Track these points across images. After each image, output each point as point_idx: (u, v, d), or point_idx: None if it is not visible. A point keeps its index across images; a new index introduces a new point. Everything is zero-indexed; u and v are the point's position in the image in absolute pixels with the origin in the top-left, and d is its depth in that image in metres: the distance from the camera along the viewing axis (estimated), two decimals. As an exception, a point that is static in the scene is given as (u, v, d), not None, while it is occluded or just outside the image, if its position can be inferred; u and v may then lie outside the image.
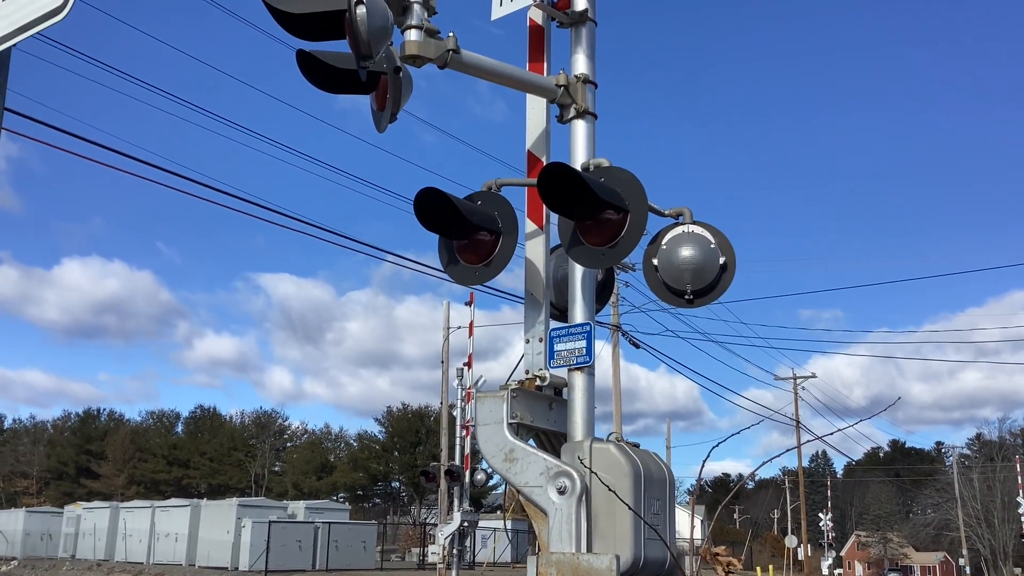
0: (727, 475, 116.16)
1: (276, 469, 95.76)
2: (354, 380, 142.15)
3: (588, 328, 5.15)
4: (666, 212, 5.41)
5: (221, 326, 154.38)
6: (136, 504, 49.30)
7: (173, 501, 47.78)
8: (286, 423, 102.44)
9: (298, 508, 44.41)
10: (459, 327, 33.73)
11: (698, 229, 5.30)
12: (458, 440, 26.11)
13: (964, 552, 76.19)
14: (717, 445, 4.50)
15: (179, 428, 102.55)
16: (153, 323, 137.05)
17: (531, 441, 5.19)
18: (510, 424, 5.00)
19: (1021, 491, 54.99)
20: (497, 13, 5.65)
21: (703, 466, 4.69)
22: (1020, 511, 52.88)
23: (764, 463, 4.84)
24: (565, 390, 5.24)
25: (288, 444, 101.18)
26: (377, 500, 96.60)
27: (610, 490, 4.52)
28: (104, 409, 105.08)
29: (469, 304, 28.15)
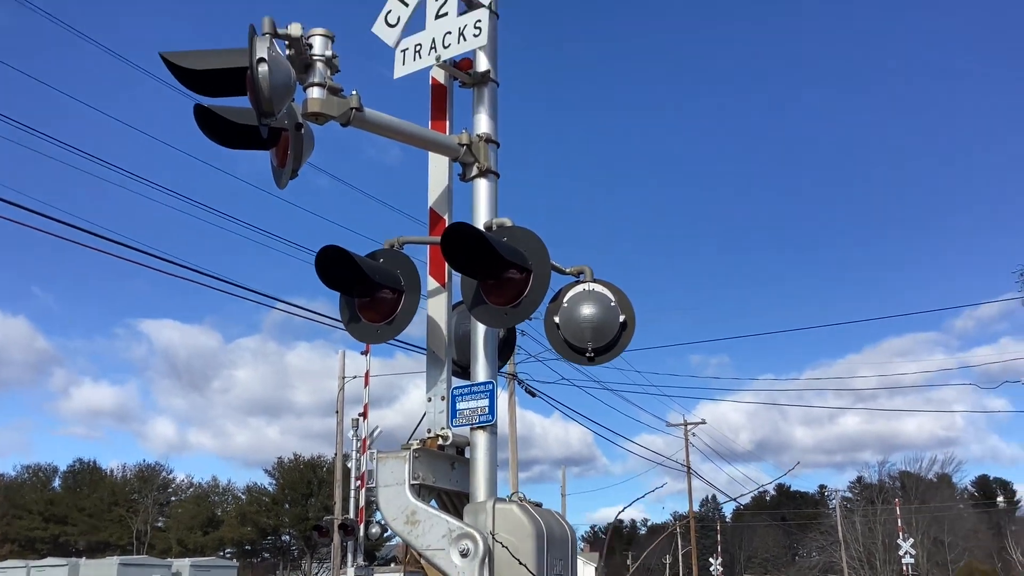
0: (621, 521, 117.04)
1: (160, 525, 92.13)
2: (242, 429, 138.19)
3: (491, 386, 5.14)
4: (567, 270, 5.48)
5: (101, 374, 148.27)
6: (10, 564, 46.61)
7: (49, 560, 45.32)
8: (170, 476, 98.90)
9: (183, 566, 42.69)
10: (354, 376, 33.32)
11: (598, 287, 5.38)
12: (352, 492, 25.64)
13: (848, 594, 78.17)
14: (623, 510, 4.53)
15: (56, 483, 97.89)
16: (28, 371, 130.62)
17: (433, 502, 5.13)
18: (412, 485, 4.93)
19: (900, 533, 56.90)
20: (400, 72, 5.67)
21: (611, 534, 4.71)
22: (900, 552, 54.61)
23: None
24: (467, 449, 5.21)
25: (172, 498, 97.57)
26: (267, 555, 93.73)
27: (513, 556, 4.49)
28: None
29: (365, 353, 27.89)
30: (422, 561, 4.95)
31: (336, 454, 37.49)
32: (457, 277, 5.25)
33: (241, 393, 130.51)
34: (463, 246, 4.74)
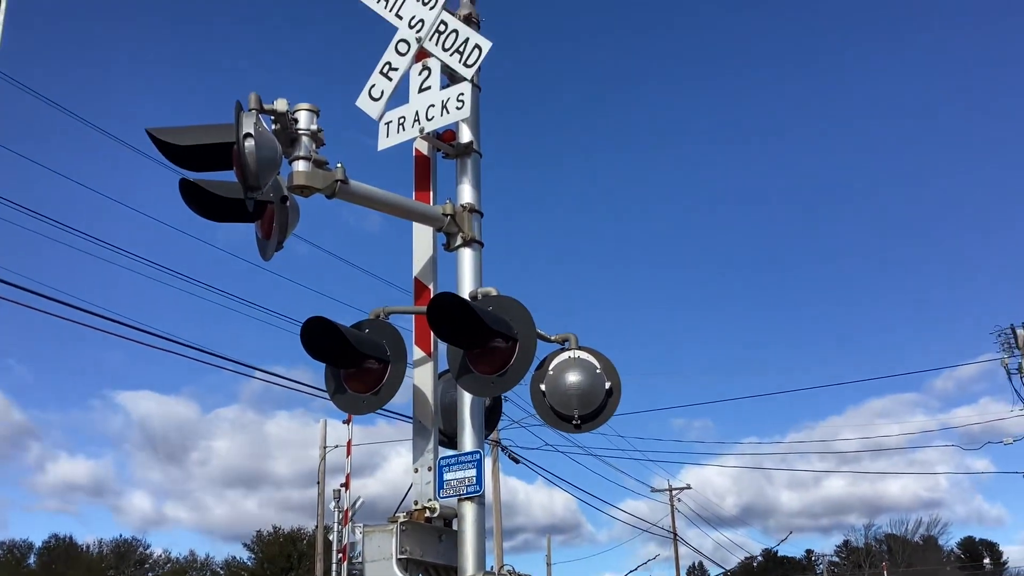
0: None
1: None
2: (220, 502, 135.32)
3: (478, 456, 5.12)
4: (552, 338, 5.49)
5: (76, 447, 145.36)
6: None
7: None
8: (147, 551, 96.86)
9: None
10: (336, 446, 32.98)
11: (584, 355, 5.39)
12: (334, 565, 25.21)
13: (839, 660, 77.10)
14: None
15: (31, 559, 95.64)
16: (2, 445, 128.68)
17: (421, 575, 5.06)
18: (399, 560, 4.87)
19: (889, 597, 56.43)
20: (384, 144, 5.75)
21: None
22: (889, 617, 54.14)
23: (632, 571, 4.85)
24: (455, 520, 5.16)
25: (150, 574, 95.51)
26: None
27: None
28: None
29: (347, 422, 27.64)
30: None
31: (317, 526, 36.89)
32: (443, 346, 5.25)
33: (219, 464, 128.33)
34: (448, 316, 4.76)
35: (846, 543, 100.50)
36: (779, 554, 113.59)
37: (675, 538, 62.82)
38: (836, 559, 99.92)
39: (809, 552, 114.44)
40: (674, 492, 65.61)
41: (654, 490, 66.16)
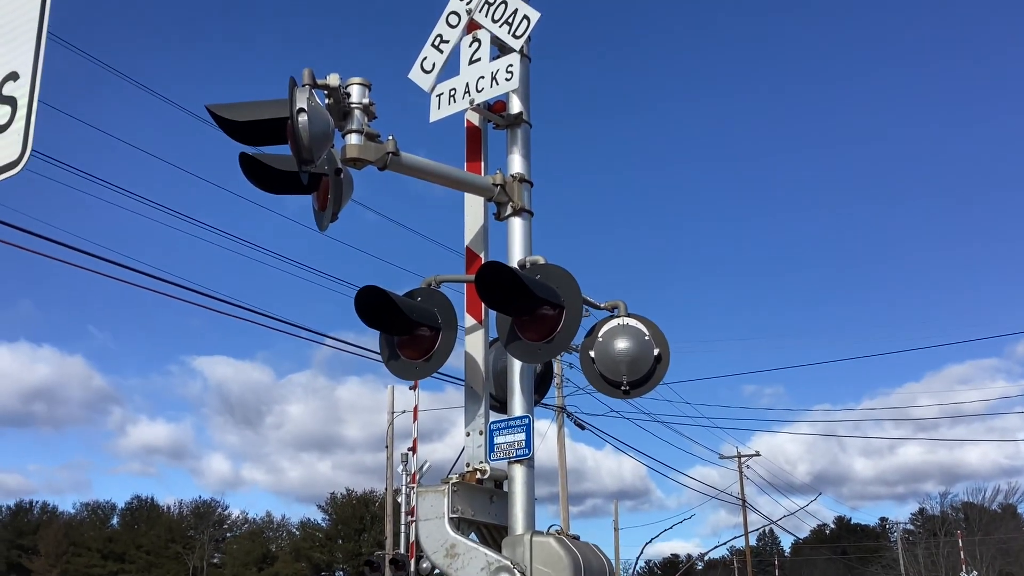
0: (676, 555, 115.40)
1: (215, 561, 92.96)
2: (295, 465, 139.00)
3: (527, 421, 5.25)
4: (601, 305, 5.58)
5: (156, 412, 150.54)
6: (68, 602, 47.37)
7: (107, 597, 45.99)
8: (225, 512, 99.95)
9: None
10: (404, 411, 33.55)
11: (632, 322, 5.47)
12: (403, 527, 25.73)
13: (912, 628, 76.26)
14: (653, 539, 4.58)
15: (115, 520, 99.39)
16: (85, 410, 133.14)
17: (473, 535, 5.23)
18: (451, 519, 5.04)
19: (963, 566, 55.51)
20: (435, 116, 5.86)
21: (640, 554, 4.75)
22: (964, 585, 53.27)
23: (715, 547, 4.95)
24: (506, 483, 5.31)
25: (228, 534, 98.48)
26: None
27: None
28: (37, 502, 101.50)
29: (414, 388, 28.03)
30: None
31: (387, 489, 37.68)
32: (494, 314, 5.38)
33: (293, 429, 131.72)
34: (497, 284, 4.88)
35: (921, 511, 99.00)
36: (852, 521, 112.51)
37: (744, 505, 62.61)
38: (911, 527, 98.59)
39: (883, 520, 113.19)
40: (743, 459, 65.28)
41: (722, 457, 65.91)
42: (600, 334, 5.47)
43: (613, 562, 5.26)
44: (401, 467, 26.37)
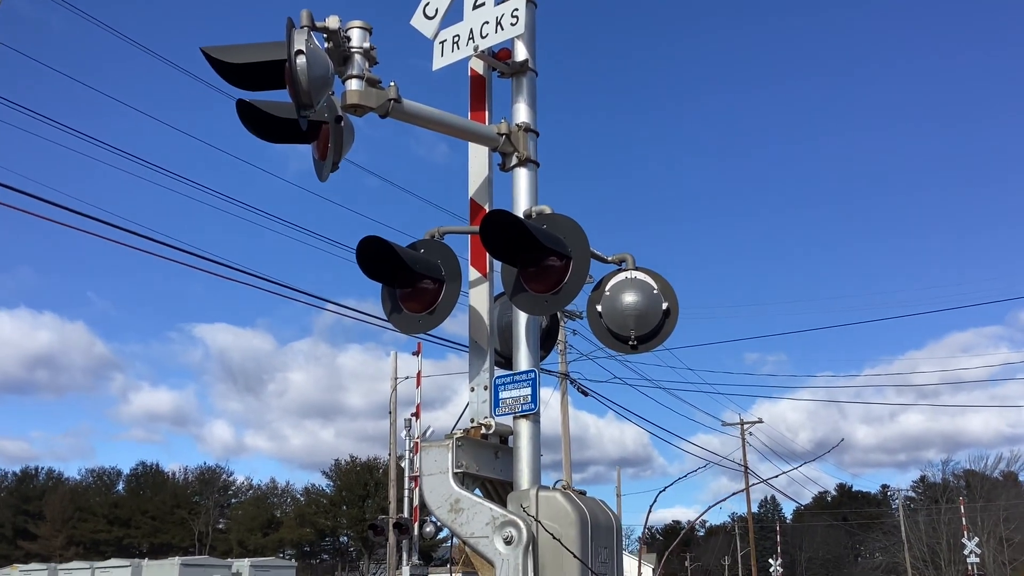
0: (677, 522, 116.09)
1: (220, 526, 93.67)
2: (298, 432, 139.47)
3: (533, 375, 5.13)
4: (609, 258, 5.45)
5: (158, 379, 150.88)
6: (75, 565, 47.63)
7: (113, 561, 46.25)
8: (230, 478, 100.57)
9: (243, 566, 43.28)
10: (407, 377, 33.54)
11: (641, 275, 5.34)
12: (407, 492, 25.81)
13: (912, 594, 76.76)
14: (663, 491, 4.49)
15: (120, 486, 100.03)
16: (87, 376, 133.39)
17: (477, 491, 5.13)
18: (455, 474, 4.94)
19: (965, 533, 55.66)
20: (439, 63, 5.70)
21: (649, 513, 4.67)
22: (965, 552, 53.42)
23: (711, 507, 4.85)
24: (511, 438, 5.20)
25: (233, 500, 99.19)
26: (325, 556, 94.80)
27: (555, 539, 4.47)
28: (42, 468, 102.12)
29: (416, 354, 28.05)
30: (467, 550, 4.96)
31: (390, 454, 37.79)
32: (499, 267, 5.25)
33: (296, 396, 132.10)
34: (502, 233, 4.75)
35: (923, 479, 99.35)
36: (853, 488, 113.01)
37: (746, 471, 62.79)
38: (912, 494, 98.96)
39: (885, 487, 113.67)
40: (745, 426, 65.40)
41: (725, 424, 66.08)
42: (607, 288, 5.34)
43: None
44: (404, 433, 26.41)
